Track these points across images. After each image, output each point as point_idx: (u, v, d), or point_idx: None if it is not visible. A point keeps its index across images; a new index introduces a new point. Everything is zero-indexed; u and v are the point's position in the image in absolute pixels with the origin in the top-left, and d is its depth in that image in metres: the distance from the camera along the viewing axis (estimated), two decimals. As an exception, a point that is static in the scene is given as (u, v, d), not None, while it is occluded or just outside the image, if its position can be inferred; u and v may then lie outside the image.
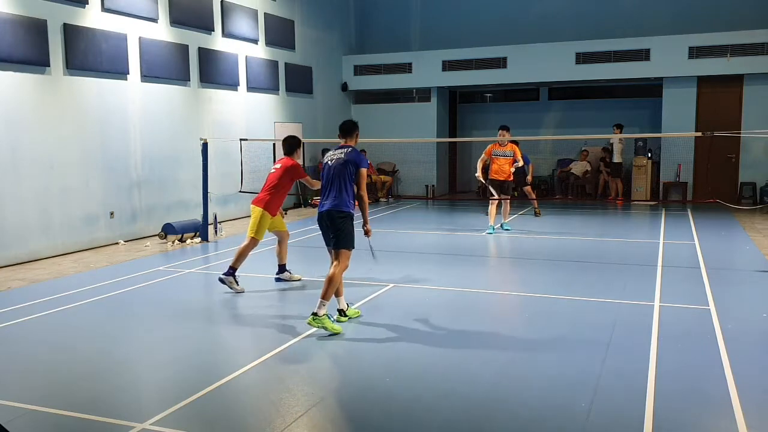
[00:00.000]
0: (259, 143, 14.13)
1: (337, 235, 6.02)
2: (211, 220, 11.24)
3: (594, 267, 8.80)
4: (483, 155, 11.62)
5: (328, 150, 18.07)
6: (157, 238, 11.17)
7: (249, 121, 14.54)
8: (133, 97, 11.38)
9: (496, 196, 11.40)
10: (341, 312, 6.27)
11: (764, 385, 4.64)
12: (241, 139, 12.32)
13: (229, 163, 13.29)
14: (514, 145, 11.63)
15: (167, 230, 10.87)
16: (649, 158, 16.14)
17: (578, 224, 12.81)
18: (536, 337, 5.79)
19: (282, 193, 7.67)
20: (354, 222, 6.14)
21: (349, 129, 6.36)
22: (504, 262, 9.47)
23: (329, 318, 5.88)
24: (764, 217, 13.13)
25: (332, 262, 6.12)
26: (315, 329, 5.92)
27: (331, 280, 5.91)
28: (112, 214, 10.97)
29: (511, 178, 11.65)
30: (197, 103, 12.94)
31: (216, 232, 11.40)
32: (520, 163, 11.66)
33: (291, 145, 7.84)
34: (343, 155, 6.10)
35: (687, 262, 8.80)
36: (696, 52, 15.34)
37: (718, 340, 5.52)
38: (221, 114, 13.62)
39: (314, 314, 5.81)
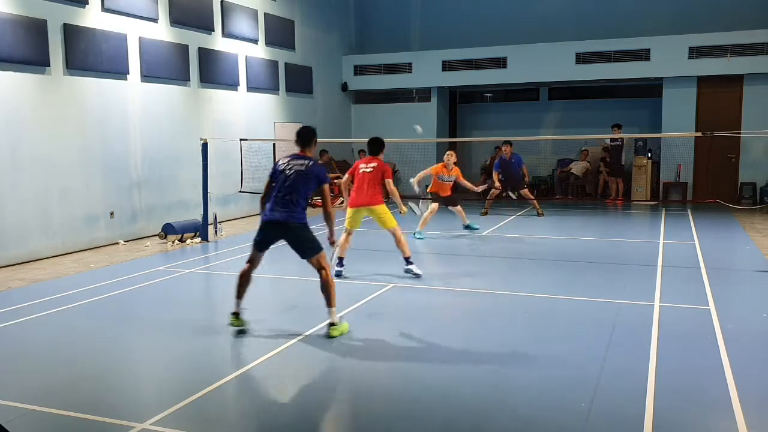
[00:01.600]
0: (259, 143, 14.13)
1: (306, 246, 5.81)
2: (211, 220, 11.24)
3: (594, 267, 8.80)
4: (429, 170, 11.21)
5: (326, 151, 18.04)
6: (157, 238, 11.16)
7: (249, 121, 14.53)
8: (133, 97, 11.38)
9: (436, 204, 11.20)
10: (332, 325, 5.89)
11: (764, 385, 4.65)
12: (241, 139, 12.32)
13: (229, 163, 13.28)
14: (458, 170, 11.26)
15: (167, 230, 10.87)
16: (649, 158, 16.13)
17: (578, 224, 12.81)
18: (536, 337, 5.79)
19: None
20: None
21: (308, 137, 5.94)
22: (504, 262, 9.47)
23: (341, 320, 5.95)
24: (764, 217, 13.13)
25: (248, 265, 5.95)
26: (314, 329, 5.93)
27: (328, 286, 5.80)
28: (112, 214, 10.97)
29: (450, 193, 11.37)
30: (197, 103, 12.94)
31: (216, 232, 11.40)
32: (467, 184, 11.46)
33: (379, 145, 8.15)
34: (304, 168, 5.76)
35: (687, 262, 8.80)
36: (696, 52, 15.34)
37: (718, 340, 5.52)
38: (221, 114, 13.62)
39: (332, 324, 5.78)
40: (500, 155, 13.86)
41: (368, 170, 7.99)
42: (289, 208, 5.73)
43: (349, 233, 8.16)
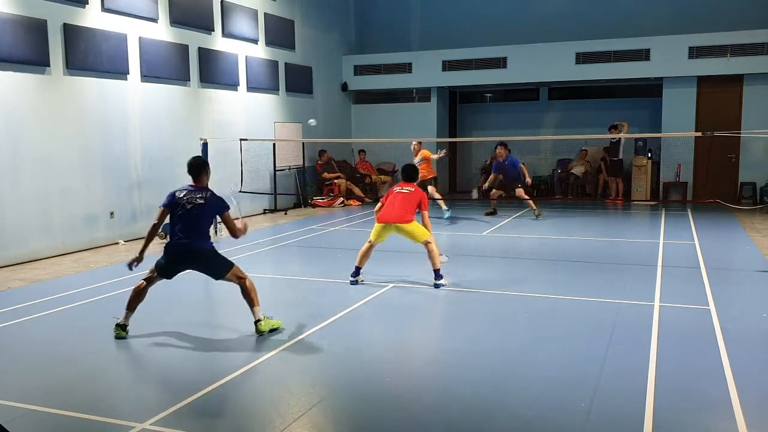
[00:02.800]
0: (259, 143, 14.13)
1: (218, 267, 5.98)
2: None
3: (594, 267, 8.80)
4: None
5: (325, 151, 18.05)
6: (157, 238, 11.14)
7: (249, 121, 14.53)
8: (133, 97, 11.38)
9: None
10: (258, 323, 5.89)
11: (764, 385, 4.65)
12: (241, 139, 12.33)
13: (229, 163, 13.29)
14: (425, 151, 12.87)
15: (167, 230, 10.84)
16: (649, 158, 16.13)
17: (578, 224, 12.81)
18: (536, 337, 5.79)
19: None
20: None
21: (199, 169, 6.11)
22: (504, 262, 9.47)
23: (268, 317, 5.93)
24: (764, 217, 13.13)
25: (145, 282, 6.04)
26: (314, 329, 5.93)
27: (248, 291, 5.88)
28: (112, 214, 10.97)
29: (428, 176, 12.63)
30: (197, 103, 12.94)
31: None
32: (435, 156, 12.83)
33: (417, 173, 8.31)
34: (203, 200, 5.94)
35: (687, 262, 8.80)
36: (696, 52, 15.34)
37: (718, 340, 5.52)
38: (221, 114, 13.62)
39: (258, 321, 5.79)
40: (495, 158, 13.79)
41: (404, 191, 7.70)
42: (199, 236, 5.94)
43: (371, 245, 7.69)
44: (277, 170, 15.14)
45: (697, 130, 15.10)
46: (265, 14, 14.96)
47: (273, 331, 5.84)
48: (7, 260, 9.26)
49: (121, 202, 11.16)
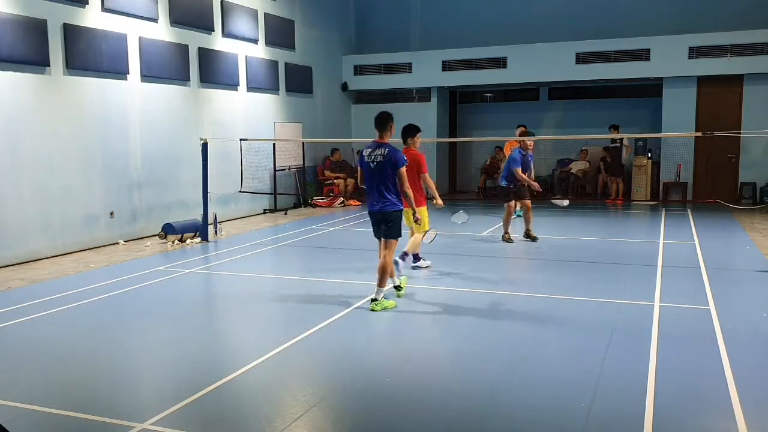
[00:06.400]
0: (259, 143, 14.13)
1: (389, 230, 6.56)
2: (211, 220, 11.24)
3: (594, 267, 8.80)
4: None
5: (337, 149, 18.19)
6: (157, 238, 11.16)
7: (249, 121, 14.53)
8: (133, 97, 11.38)
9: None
10: (398, 287, 7.02)
11: (764, 385, 4.65)
12: (241, 139, 12.32)
13: (229, 163, 13.29)
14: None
15: (167, 230, 10.86)
16: (649, 158, 16.13)
17: (578, 224, 12.81)
18: (536, 337, 5.79)
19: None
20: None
21: (383, 122, 6.52)
22: (504, 262, 9.47)
23: (386, 298, 6.58)
24: (764, 217, 13.13)
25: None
26: (314, 329, 5.94)
27: (383, 269, 6.55)
28: (112, 214, 10.97)
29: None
30: (197, 103, 12.94)
31: (216, 232, 11.41)
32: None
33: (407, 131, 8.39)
34: (382, 157, 6.35)
35: (687, 262, 8.80)
36: (696, 52, 15.34)
37: (718, 340, 5.52)
38: (221, 114, 13.62)
39: (374, 300, 6.49)
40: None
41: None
42: (382, 198, 6.46)
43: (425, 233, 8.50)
44: (277, 170, 15.14)
45: (697, 130, 15.10)
46: (265, 14, 14.96)
47: (385, 309, 6.44)
48: (7, 260, 9.26)
49: (121, 202, 11.16)
